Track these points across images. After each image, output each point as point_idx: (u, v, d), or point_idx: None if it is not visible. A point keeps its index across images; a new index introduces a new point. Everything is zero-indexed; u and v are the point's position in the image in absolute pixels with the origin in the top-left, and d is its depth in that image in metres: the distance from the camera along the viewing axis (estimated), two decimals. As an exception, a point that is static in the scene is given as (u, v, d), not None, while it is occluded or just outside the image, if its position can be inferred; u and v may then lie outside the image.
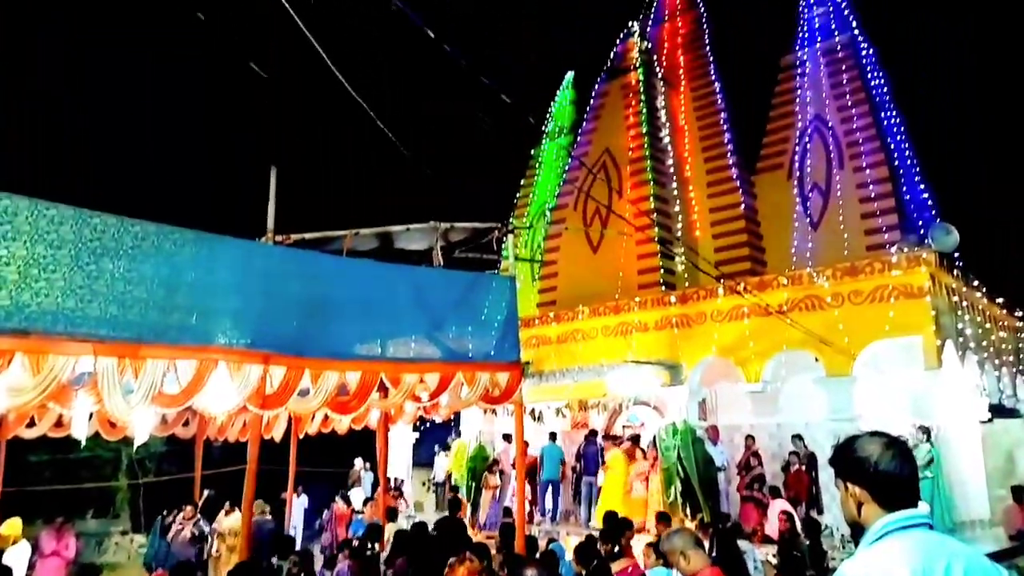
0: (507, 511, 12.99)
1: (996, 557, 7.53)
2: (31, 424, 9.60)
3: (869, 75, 18.43)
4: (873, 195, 16.45)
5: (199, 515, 10.93)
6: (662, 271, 17.19)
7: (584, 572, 6.32)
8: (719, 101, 19.87)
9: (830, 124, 17.83)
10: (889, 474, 2.07)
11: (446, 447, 18.06)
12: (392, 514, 11.44)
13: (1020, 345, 17.97)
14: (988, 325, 15.96)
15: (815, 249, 16.87)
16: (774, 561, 9.67)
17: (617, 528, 7.63)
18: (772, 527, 11.09)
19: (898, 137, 18.06)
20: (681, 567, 4.14)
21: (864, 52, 18.73)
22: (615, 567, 6.30)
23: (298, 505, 14.63)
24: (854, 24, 18.98)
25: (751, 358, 14.31)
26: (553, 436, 15.38)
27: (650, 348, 15.59)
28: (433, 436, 19.08)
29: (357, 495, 15.86)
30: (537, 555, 7.90)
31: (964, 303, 14.50)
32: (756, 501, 12.49)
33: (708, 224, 18.50)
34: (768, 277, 14.96)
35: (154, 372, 5.93)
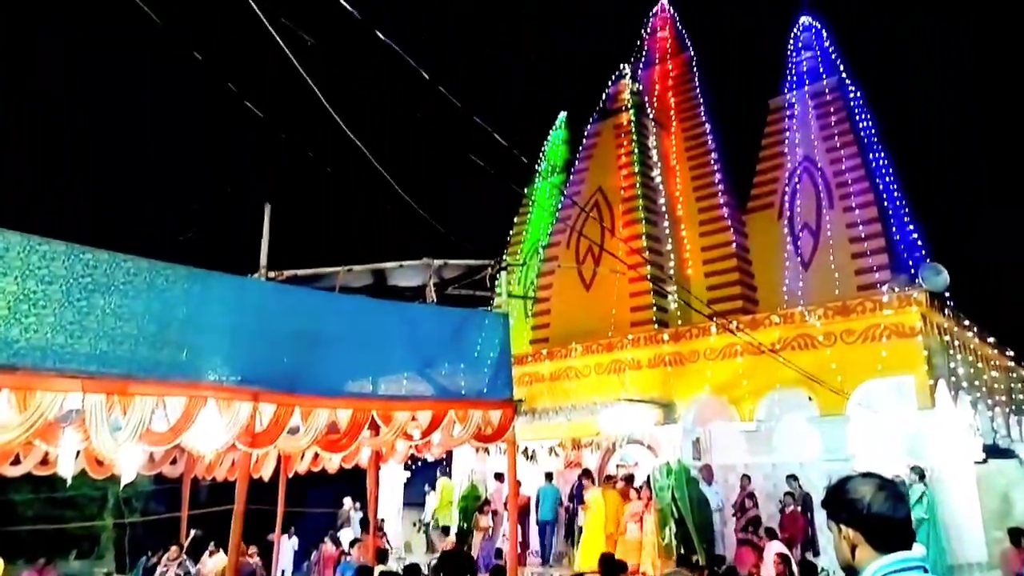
0: (499, 552, 12.79)
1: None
2: (16, 462, 9.43)
3: (857, 117, 18.75)
4: (863, 235, 16.60)
5: (184, 556, 10.72)
6: (655, 309, 17.22)
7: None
8: (709, 141, 20.15)
9: (819, 165, 18.07)
10: (882, 516, 2.05)
11: (435, 487, 17.82)
12: (382, 555, 11.25)
13: (1013, 385, 17.99)
14: (980, 365, 15.99)
15: (806, 288, 16.96)
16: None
17: (612, 571, 7.51)
18: (768, 570, 10.93)
19: (887, 178, 18.30)
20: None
21: (851, 94, 19.09)
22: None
23: (288, 546, 14.38)
24: (841, 67, 19.38)
25: (745, 396, 14.27)
26: (549, 476, 15.22)
27: (643, 386, 15.53)
28: (424, 475, 18.82)
29: (347, 536, 15.60)
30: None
31: (956, 342, 14.55)
32: (752, 544, 12.33)
33: (700, 262, 18.60)
34: (760, 316, 15.00)
35: (143, 409, 5.87)
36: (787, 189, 18.47)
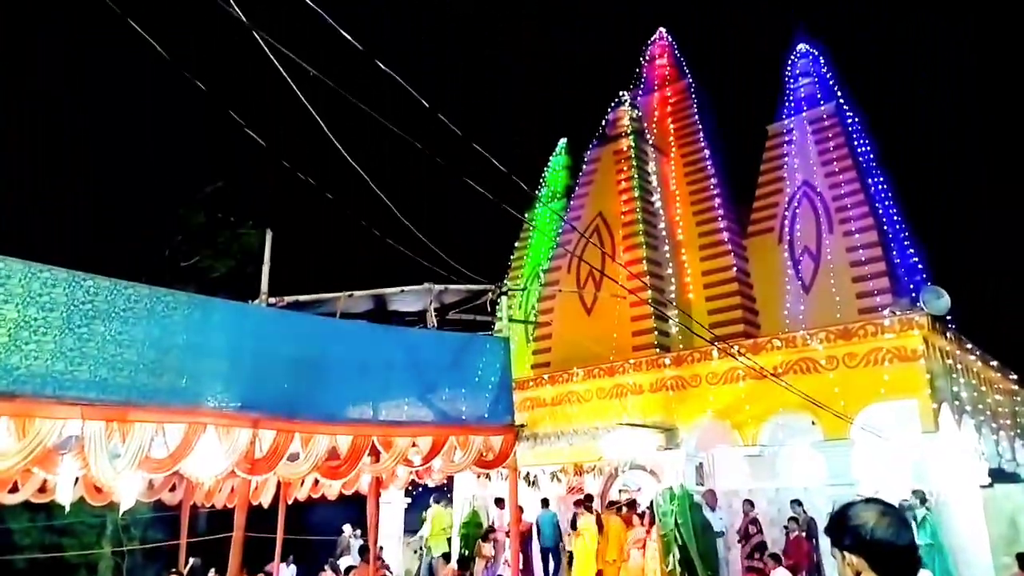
0: (500, 580, 12.66)
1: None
2: (13, 489, 9.36)
3: (855, 141, 18.88)
4: (864, 259, 16.63)
5: (183, 585, 10.59)
6: (656, 333, 17.19)
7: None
8: (709, 167, 20.27)
9: (819, 189, 18.16)
10: (886, 542, 2.03)
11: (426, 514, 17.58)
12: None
13: (1017, 408, 17.89)
14: (983, 388, 15.91)
15: (807, 312, 16.95)
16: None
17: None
18: (773, 597, 10.79)
19: (886, 201, 18.39)
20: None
21: (850, 119, 19.24)
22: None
23: (286, 575, 14.19)
24: (839, 93, 19.55)
25: (747, 421, 14.19)
26: (546, 503, 15.07)
27: (645, 410, 15.46)
28: (425, 501, 18.64)
29: (347, 563, 15.40)
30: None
31: (959, 366, 14.50)
32: (758, 571, 12.18)
33: (701, 286, 18.61)
34: (762, 340, 14.97)
35: (142, 436, 5.85)
36: (787, 214, 18.54)
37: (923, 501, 11.93)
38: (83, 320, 5.70)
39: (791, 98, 20.09)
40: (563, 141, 25.15)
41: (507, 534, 12.53)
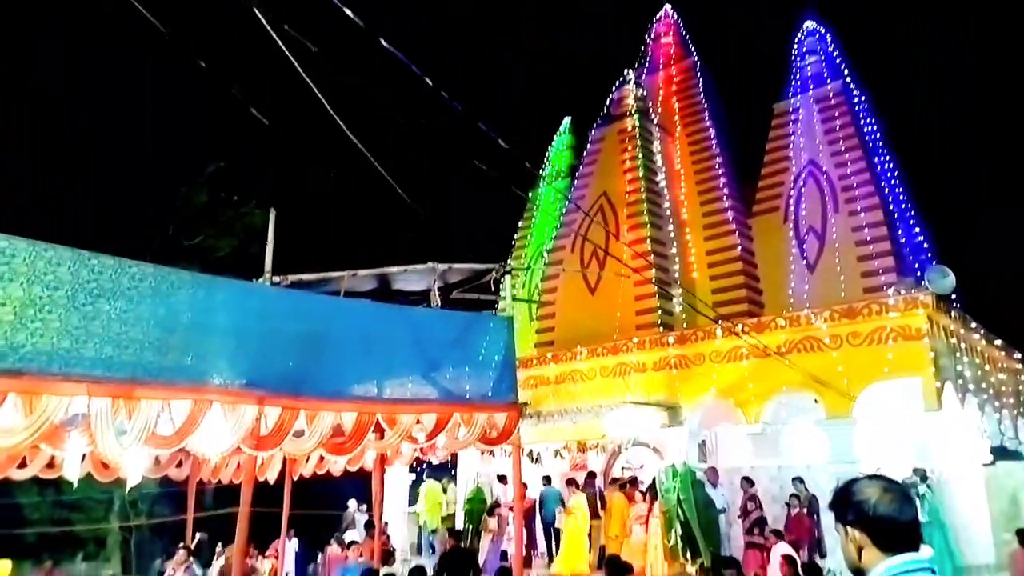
0: (504, 555, 12.77)
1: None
2: (22, 465, 9.46)
3: (862, 121, 18.72)
4: (868, 238, 16.56)
5: (192, 559, 10.70)
6: (660, 312, 17.19)
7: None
8: (713, 146, 20.14)
9: (824, 169, 18.04)
10: (888, 517, 2.05)
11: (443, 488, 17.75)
12: (387, 557, 11.23)
13: (1020, 387, 17.90)
14: (987, 367, 15.92)
15: (812, 291, 16.92)
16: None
17: (618, 573, 7.49)
18: (774, 572, 10.88)
19: (892, 181, 18.27)
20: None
21: (856, 98, 19.06)
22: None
23: (289, 548, 14.34)
24: (845, 71, 19.36)
25: (750, 399, 14.23)
26: (548, 480, 15.18)
27: (648, 389, 15.51)
28: (430, 477, 18.81)
29: (352, 538, 15.57)
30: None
31: (962, 345, 14.49)
32: (758, 546, 12.28)
33: (705, 266, 18.58)
34: (766, 318, 14.97)
35: (148, 413, 5.89)
36: (792, 193, 18.44)
37: (924, 479, 11.99)
38: (88, 299, 5.72)
39: (797, 76, 19.90)
40: (567, 120, 24.98)
41: (511, 509, 12.63)
